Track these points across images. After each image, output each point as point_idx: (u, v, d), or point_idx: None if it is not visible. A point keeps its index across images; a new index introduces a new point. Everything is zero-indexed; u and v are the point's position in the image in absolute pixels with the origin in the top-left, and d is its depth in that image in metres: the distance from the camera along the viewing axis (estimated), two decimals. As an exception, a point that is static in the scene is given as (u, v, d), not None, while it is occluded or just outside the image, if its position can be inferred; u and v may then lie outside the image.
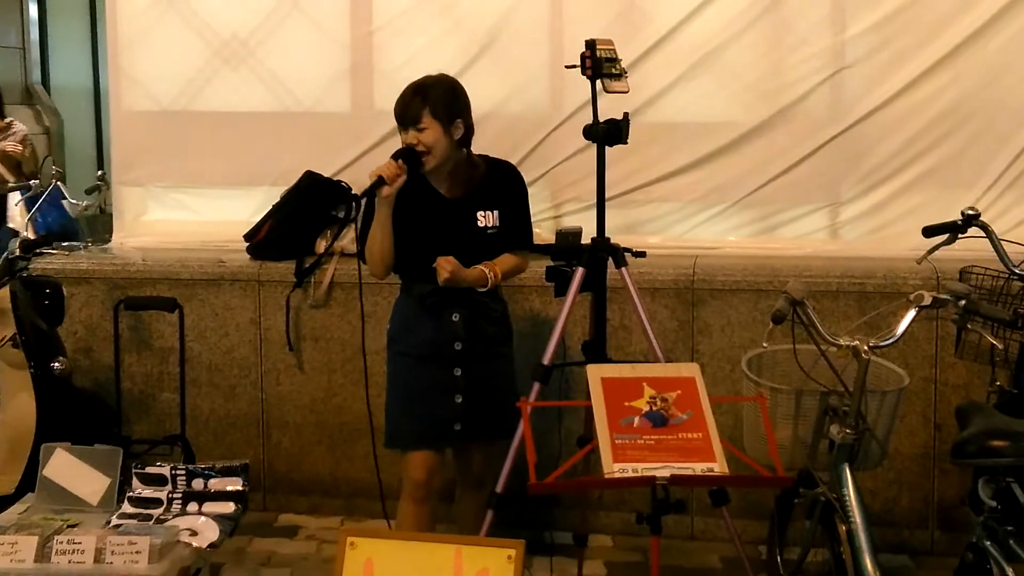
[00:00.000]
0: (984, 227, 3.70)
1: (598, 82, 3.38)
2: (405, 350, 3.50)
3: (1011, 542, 2.68)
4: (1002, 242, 3.67)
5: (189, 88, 5.06)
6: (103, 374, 4.67)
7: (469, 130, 3.48)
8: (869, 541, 2.92)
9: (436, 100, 3.37)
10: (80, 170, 7.77)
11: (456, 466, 3.68)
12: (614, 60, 3.37)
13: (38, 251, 4.54)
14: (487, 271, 3.41)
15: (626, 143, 3.40)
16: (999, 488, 2.74)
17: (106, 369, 4.64)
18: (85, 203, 5.56)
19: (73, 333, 4.71)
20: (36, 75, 8.25)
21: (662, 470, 2.56)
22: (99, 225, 5.57)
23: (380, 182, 3.30)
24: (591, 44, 3.38)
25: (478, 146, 3.62)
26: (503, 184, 3.53)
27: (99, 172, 5.79)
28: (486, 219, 3.46)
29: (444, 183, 3.49)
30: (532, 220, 4.68)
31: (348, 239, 4.66)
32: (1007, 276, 3.64)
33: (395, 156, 3.35)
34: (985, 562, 2.72)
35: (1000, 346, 3.48)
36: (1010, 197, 4.50)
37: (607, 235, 3.49)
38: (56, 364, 4.18)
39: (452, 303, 3.44)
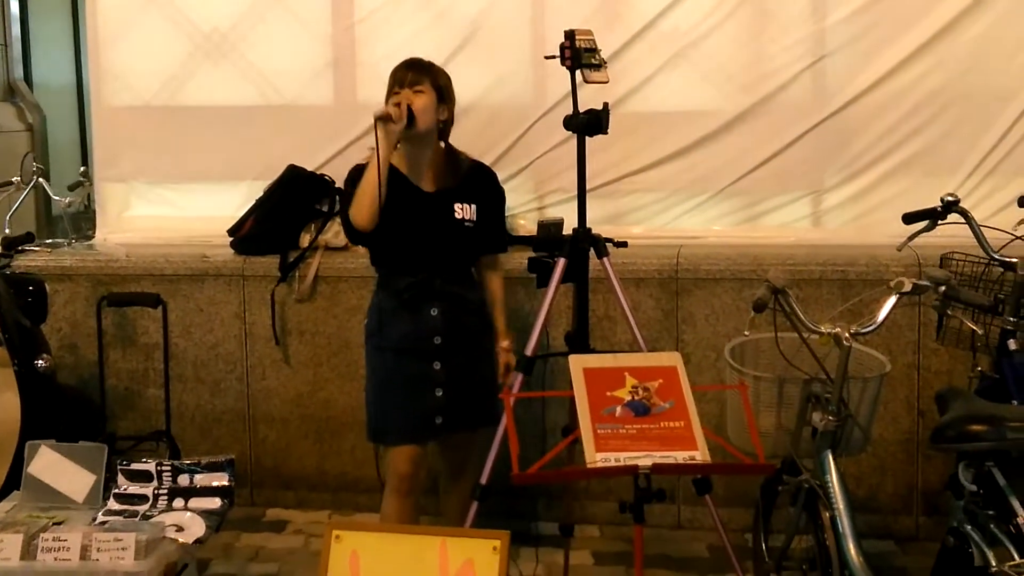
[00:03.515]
0: (964, 213, 3.72)
1: (578, 72, 3.38)
2: (384, 344, 3.51)
3: (991, 526, 2.70)
4: (982, 228, 3.69)
5: (171, 83, 5.04)
6: (87, 371, 4.66)
7: (450, 121, 3.57)
8: (852, 527, 2.93)
9: (438, 75, 3.53)
10: (64, 166, 7.73)
11: (439, 456, 3.69)
12: (593, 50, 3.37)
13: (20, 248, 4.53)
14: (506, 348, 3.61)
15: (606, 133, 3.40)
16: (979, 473, 2.75)
17: (90, 366, 4.63)
18: (68, 199, 5.54)
19: (57, 330, 4.70)
20: (18, 72, 8.19)
21: (644, 459, 2.57)
22: (82, 221, 5.55)
23: (388, 118, 3.34)
24: (570, 34, 3.38)
25: (461, 137, 3.63)
26: (481, 181, 3.60)
27: (82, 168, 5.76)
28: (463, 211, 3.50)
29: (423, 176, 3.51)
30: (516, 212, 4.77)
31: (332, 233, 4.65)
32: (987, 262, 3.66)
33: (396, 104, 3.40)
34: (966, 546, 2.74)
35: (980, 332, 3.50)
36: (991, 183, 4.52)
37: (590, 226, 3.50)
38: (40, 361, 4.16)
39: (430, 297, 3.46)
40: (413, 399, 3.47)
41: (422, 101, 3.43)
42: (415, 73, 3.47)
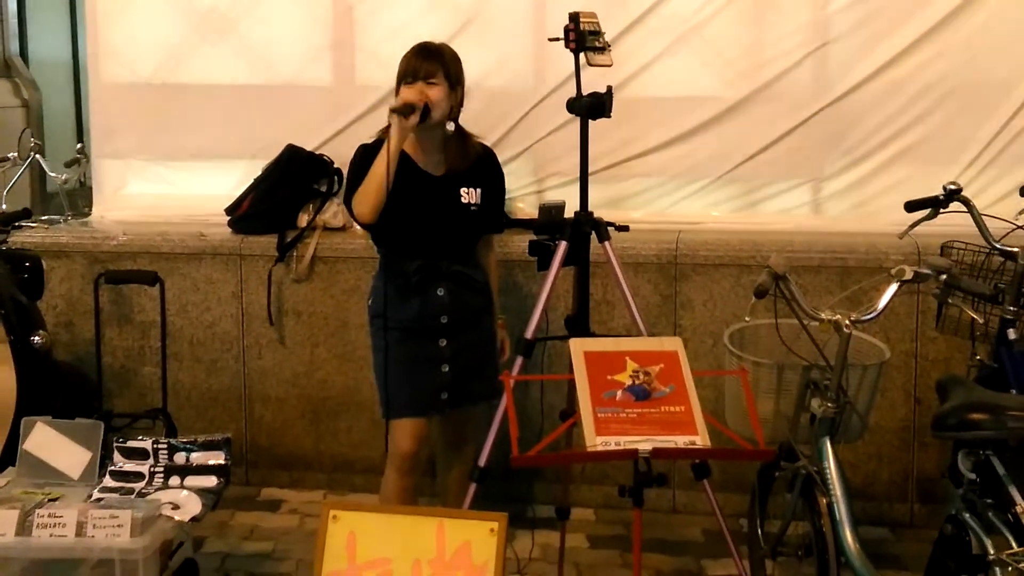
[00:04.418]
0: (965, 202, 3.71)
1: (581, 55, 3.37)
2: (390, 324, 3.50)
3: (990, 514, 2.70)
4: (983, 217, 3.68)
5: (169, 60, 5.01)
6: (84, 348, 4.65)
7: (461, 103, 3.55)
8: (849, 514, 2.95)
9: (449, 62, 3.48)
10: (60, 143, 7.70)
11: (439, 431, 3.69)
12: (597, 33, 3.35)
13: (17, 224, 4.50)
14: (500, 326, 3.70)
15: (609, 117, 3.39)
16: (978, 461, 2.75)
17: (87, 343, 4.62)
18: (64, 176, 5.51)
19: (53, 307, 4.68)
20: (14, 47, 8.15)
21: (644, 443, 2.57)
22: (79, 198, 5.52)
23: (410, 107, 3.30)
24: (575, 17, 3.36)
25: (461, 119, 3.60)
26: (488, 166, 3.60)
27: (78, 145, 5.73)
28: (469, 196, 3.51)
29: (432, 159, 3.50)
30: (515, 195, 4.76)
31: (330, 213, 4.64)
32: (988, 251, 3.65)
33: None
34: (964, 534, 2.74)
35: (980, 320, 3.50)
36: (991, 172, 4.51)
37: (590, 209, 3.48)
38: (36, 338, 4.14)
39: (438, 277, 3.47)
40: (420, 376, 3.48)
41: (436, 94, 3.39)
42: (429, 64, 3.42)
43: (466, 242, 3.56)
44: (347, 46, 4.91)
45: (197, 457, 3.54)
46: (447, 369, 3.49)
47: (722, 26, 4.66)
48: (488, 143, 4.68)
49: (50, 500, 3.27)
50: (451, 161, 3.50)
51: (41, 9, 8.54)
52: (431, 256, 3.46)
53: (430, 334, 3.48)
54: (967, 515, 2.75)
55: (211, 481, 3.48)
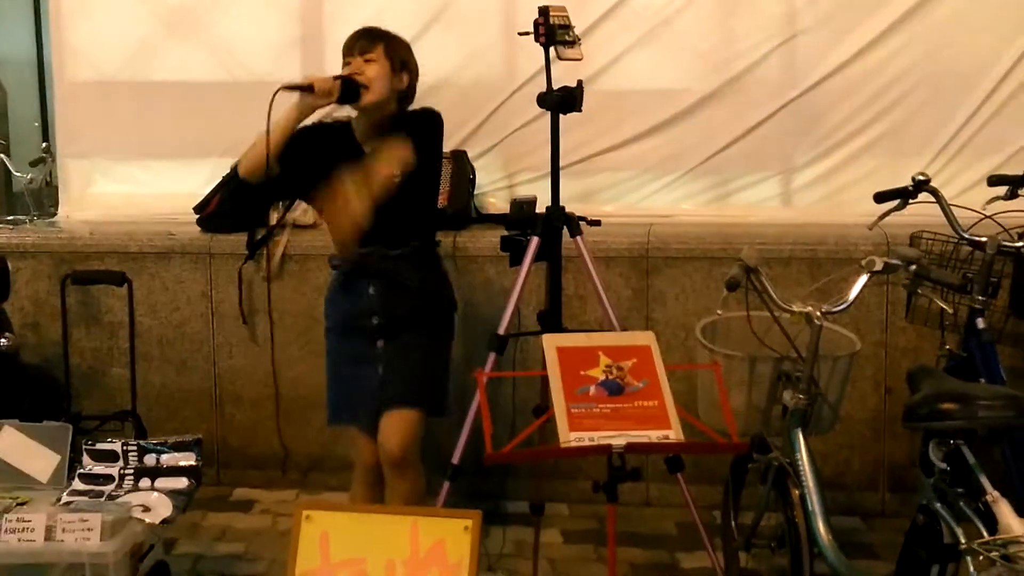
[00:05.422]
0: (934, 192, 3.72)
1: (551, 49, 3.35)
2: (331, 324, 3.42)
3: (960, 503, 2.71)
4: (951, 207, 3.70)
5: (135, 58, 4.96)
6: (51, 350, 4.60)
7: (411, 91, 3.35)
8: (821, 504, 2.95)
9: (393, 42, 3.31)
10: (25, 142, 7.61)
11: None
12: (567, 27, 3.34)
13: (-19, 225, 4.45)
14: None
15: (580, 111, 3.38)
16: (949, 450, 2.77)
17: (54, 345, 4.56)
18: (30, 176, 5.45)
19: (19, 309, 4.62)
20: (-24, 46, 8.06)
21: (618, 438, 2.56)
22: (44, 198, 5.46)
23: (309, 89, 3.17)
24: (544, 11, 3.35)
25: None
26: (412, 126, 3.28)
27: (44, 144, 5.67)
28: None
29: (371, 139, 3.31)
30: (486, 190, 4.74)
31: (300, 210, 4.61)
32: (956, 241, 3.68)
33: (337, 77, 3.21)
34: (936, 523, 2.75)
35: (950, 310, 3.52)
36: (959, 163, 4.55)
37: (562, 204, 3.48)
38: (2, 340, 4.09)
39: (367, 274, 3.29)
40: (356, 379, 3.32)
41: (373, 70, 3.23)
42: (365, 41, 3.26)
43: (394, 226, 3.22)
44: (316, 41, 4.88)
45: (167, 459, 3.50)
46: (382, 371, 3.28)
47: (692, 19, 4.68)
48: (458, 138, 4.71)
49: (18, 504, 3.23)
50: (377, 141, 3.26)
51: (4, 7, 8.43)
52: (358, 248, 3.25)
53: (364, 335, 3.29)
54: (938, 504, 2.76)
55: (182, 483, 3.45)
